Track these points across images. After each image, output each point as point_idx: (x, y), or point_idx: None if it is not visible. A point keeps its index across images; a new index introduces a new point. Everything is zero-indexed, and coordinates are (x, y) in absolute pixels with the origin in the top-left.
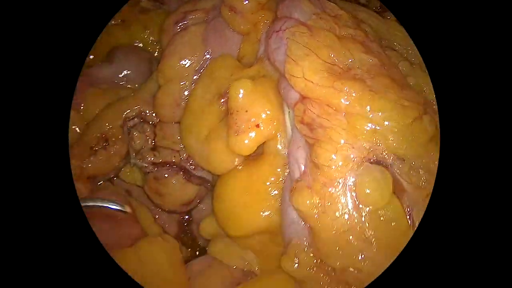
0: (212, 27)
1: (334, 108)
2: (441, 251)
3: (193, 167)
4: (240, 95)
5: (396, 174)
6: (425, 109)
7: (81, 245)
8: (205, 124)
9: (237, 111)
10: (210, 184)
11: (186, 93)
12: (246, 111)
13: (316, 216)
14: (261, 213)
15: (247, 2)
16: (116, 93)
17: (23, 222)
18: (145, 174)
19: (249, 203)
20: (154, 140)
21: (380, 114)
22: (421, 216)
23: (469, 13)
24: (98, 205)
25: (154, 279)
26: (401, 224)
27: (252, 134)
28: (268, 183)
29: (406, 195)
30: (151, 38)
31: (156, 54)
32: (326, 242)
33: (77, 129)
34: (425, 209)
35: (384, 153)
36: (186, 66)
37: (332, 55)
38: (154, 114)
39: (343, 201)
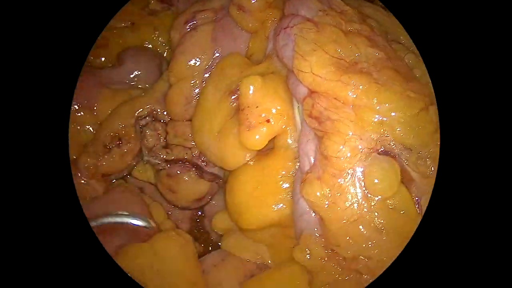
0: (221, 26)
1: (341, 101)
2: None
3: (205, 163)
4: (251, 91)
5: (404, 164)
6: (431, 100)
7: (83, 245)
8: (217, 120)
9: (248, 107)
10: (222, 180)
11: (197, 91)
12: (257, 106)
13: (326, 206)
14: (273, 206)
15: (255, 1)
16: (128, 93)
17: (26, 222)
18: (158, 171)
19: (261, 196)
20: (166, 138)
21: (387, 105)
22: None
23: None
24: (119, 222)
25: (170, 273)
26: (410, 212)
27: (263, 129)
28: (279, 177)
29: (414, 184)
30: (160, 39)
31: (165, 55)
32: (337, 232)
33: (90, 128)
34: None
35: (392, 144)
36: (197, 65)
37: (338, 50)
38: (165, 113)
39: (352, 191)
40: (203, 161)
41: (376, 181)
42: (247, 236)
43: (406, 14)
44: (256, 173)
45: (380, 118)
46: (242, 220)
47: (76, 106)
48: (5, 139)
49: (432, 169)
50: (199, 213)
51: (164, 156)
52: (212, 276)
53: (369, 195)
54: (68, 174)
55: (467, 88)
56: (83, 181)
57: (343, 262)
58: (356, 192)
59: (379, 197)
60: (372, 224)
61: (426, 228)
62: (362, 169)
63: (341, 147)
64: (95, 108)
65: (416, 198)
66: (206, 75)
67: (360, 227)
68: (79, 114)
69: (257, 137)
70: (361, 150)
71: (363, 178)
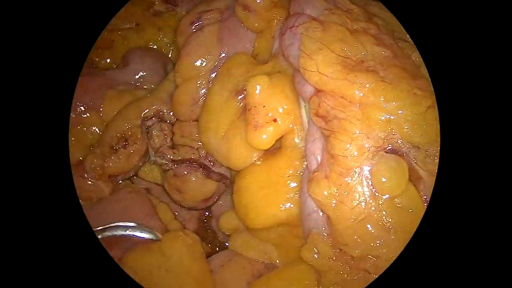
0: (226, 26)
1: (348, 100)
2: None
3: (212, 163)
4: (257, 91)
5: (412, 162)
6: None
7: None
8: (223, 120)
9: (255, 107)
10: (229, 180)
11: (203, 91)
12: (264, 106)
13: (333, 205)
14: (281, 205)
15: (260, 0)
16: (134, 94)
17: (27, 224)
18: (165, 172)
19: (269, 196)
20: (172, 138)
21: (394, 103)
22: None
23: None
24: (125, 235)
25: (177, 273)
26: (419, 211)
27: (270, 129)
28: (286, 176)
29: (422, 182)
30: (165, 40)
31: (170, 55)
32: (344, 231)
33: (96, 130)
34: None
35: (400, 142)
36: (203, 65)
37: (345, 49)
38: (171, 113)
39: (359, 190)
40: (210, 161)
41: (383, 179)
42: (254, 236)
43: (406, 14)
44: (264, 172)
45: (387, 117)
46: (250, 219)
47: (82, 108)
48: (5, 141)
49: None
50: (206, 213)
51: (171, 157)
52: (220, 276)
53: (376, 194)
54: (68, 176)
55: (467, 88)
56: (89, 182)
57: (351, 262)
58: (363, 191)
59: (387, 195)
60: (380, 223)
61: (428, 225)
62: (369, 168)
63: (348, 146)
64: (101, 109)
65: (425, 197)
66: (213, 75)
67: (368, 226)
68: (85, 116)
69: (264, 136)
70: (368, 148)
71: (370, 177)
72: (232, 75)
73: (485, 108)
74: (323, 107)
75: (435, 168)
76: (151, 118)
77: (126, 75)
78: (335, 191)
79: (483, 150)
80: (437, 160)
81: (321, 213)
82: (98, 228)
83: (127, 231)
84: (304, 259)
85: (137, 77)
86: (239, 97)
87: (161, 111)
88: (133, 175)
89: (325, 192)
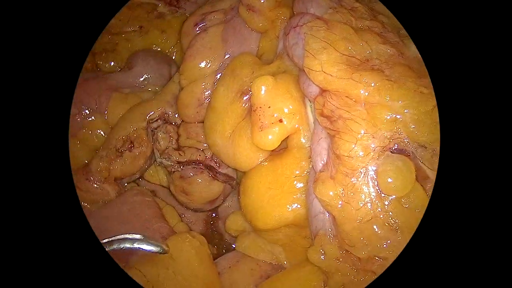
0: (230, 27)
1: (353, 99)
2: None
3: (218, 164)
4: (262, 92)
5: (419, 162)
6: None
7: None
8: (229, 122)
9: (260, 107)
10: (235, 181)
11: (208, 93)
12: (269, 107)
13: (339, 206)
14: (288, 206)
15: (264, 0)
16: (138, 97)
17: (28, 227)
18: (171, 173)
19: (275, 196)
20: (177, 140)
21: (400, 102)
22: None
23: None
24: (132, 248)
25: (185, 275)
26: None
27: (276, 129)
28: (293, 176)
29: (429, 181)
30: (168, 42)
31: (174, 57)
32: (351, 232)
33: (102, 133)
34: None
35: (406, 141)
36: (207, 66)
37: (349, 47)
38: (176, 115)
39: (365, 190)
40: (216, 162)
41: (389, 180)
42: (261, 237)
43: (406, 14)
44: (270, 173)
45: (393, 116)
46: (257, 220)
47: (87, 111)
48: (5, 142)
49: None
50: (213, 215)
51: (177, 158)
52: (228, 278)
53: (382, 195)
54: (69, 179)
55: (468, 87)
56: (95, 185)
57: (358, 263)
58: (369, 192)
59: (393, 196)
60: (387, 224)
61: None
62: (375, 168)
63: (353, 146)
64: (106, 112)
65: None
66: (218, 77)
67: (375, 227)
68: (90, 119)
69: (270, 137)
70: (373, 148)
71: (376, 177)
72: (237, 76)
73: (486, 108)
74: (328, 107)
75: None
76: (156, 120)
77: (130, 78)
78: (341, 191)
79: (485, 148)
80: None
81: (327, 214)
82: (105, 241)
83: (134, 244)
84: (310, 260)
85: (141, 79)
86: (245, 98)
87: (166, 113)
88: (139, 178)
89: (331, 193)
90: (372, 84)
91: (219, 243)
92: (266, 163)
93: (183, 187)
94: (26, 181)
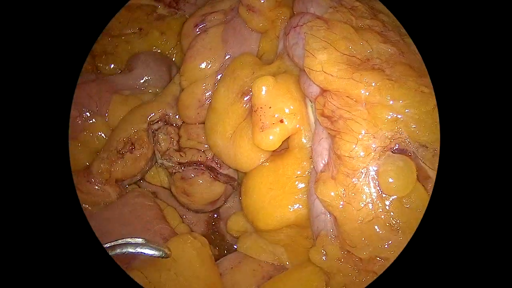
0: (230, 27)
1: (354, 99)
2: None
3: (219, 165)
4: (263, 92)
5: (420, 162)
6: None
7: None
8: (230, 122)
9: (261, 108)
10: (237, 182)
11: (209, 93)
12: (270, 107)
13: (340, 207)
14: (289, 206)
15: (264, 0)
16: (139, 99)
17: (29, 229)
18: (172, 175)
19: (277, 197)
20: (178, 141)
21: (400, 102)
22: None
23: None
24: (134, 252)
25: (187, 276)
26: None
27: (277, 130)
28: (294, 177)
29: (431, 181)
30: (168, 43)
31: (174, 59)
32: (352, 232)
33: (102, 135)
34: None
35: (407, 141)
36: (208, 67)
37: (350, 47)
38: (177, 116)
39: (366, 191)
40: (217, 163)
41: (390, 180)
42: (263, 237)
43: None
44: (271, 173)
45: (394, 116)
46: (258, 221)
47: (87, 113)
48: (5, 144)
49: None
50: (215, 215)
51: (178, 159)
52: (230, 279)
53: (383, 195)
54: (69, 181)
55: (468, 88)
56: (96, 187)
57: (359, 264)
58: (370, 192)
59: (394, 196)
60: (388, 224)
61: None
62: (376, 168)
63: (354, 146)
64: (106, 114)
65: None
66: (218, 77)
67: (376, 227)
68: (91, 121)
69: (271, 137)
70: (374, 149)
71: (377, 178)
72: (237, 77)
73: (487, 108)
74: (329, 107)
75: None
76: (157, 121)
77: (131, 80)
78: (342, 192)
79: (485, 148)
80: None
81: (329, 215)
82: (107, 245)
83: (137, 248)
84: (312, 261)
85: (142, 81)
86: (245, 99)
87: (167, 115)
88: (140, 179)
89: (332, 193)
90: (373, 84)
91: (220, 244)
92: (267, 164)
93: (184, 188)
94: (26, 183)
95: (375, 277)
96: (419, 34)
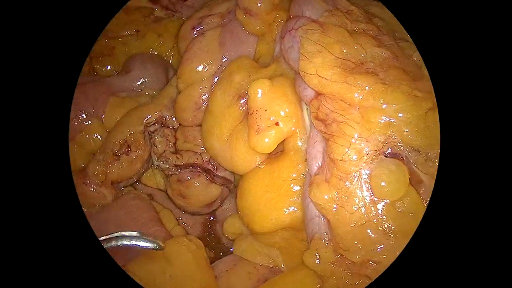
0: (228, 30)
1: (348, 103)
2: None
3: (216, 167)
4: (259, 95)
5: (413, 166)
6: None
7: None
8: (226, 125)
9: (257, 111)
10: (233, 185)
11: (205, 96)
12: (266, 110)
13: (334, 210)
14: (284, 209)
15: (261, 3)
16: (136, 101)
17: (29, 231)
18: (168, 177)
19: (272, 199)
20: (175, 144)
21: (394, 106)
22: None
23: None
24: (128, 245)
25: (182, 279)
26: (420, 215)
27: (272, 132)
28: (290, 179)
29: (423, 185)
30: (165, 46)
31: (171, 61)
32: (345, 236)
33: (99, 137)
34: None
35: (400, 145)
36: (205, 70)
37: (344, 51)
38: (174, 119)
39: (359, 194)
40: (213, 165)
41: (383, 184)
42: (259, 240)
43: (406, 14)
44: (267, 176)
45: (387, 120)
46: (254, 223)
47: (84, 115)
48: (5, 147)
49: None
50: (211, 218)
51: (174, 162)
52: (225, 282)
53: (375, 199)
54: (70, 182)
55: (468, 88)
56: (92, 189)
57: (352, 267)
58: (363, 196)
59: (387, 200)
60: (380, 228)
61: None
62: (368, 172)
63: (347, 150)
64: (103, 116)
65: (426, 200)
66: (215, 80)
67: (368, 231)
68: (87, 123)
69: (266, 140)
70: (367, 152)
71: (369, 181)
72: (234, 80)
73: (487, 109)
74: (323, 110)
75: (436, 172)
76: (153, 124)
77: (127, 82)
78: (336, 195)
79: (485, 152)
80: (438, 163)
81: (323, 218)
82: (102, 238)
83: (132, 241)
84: (306, 264)
85: (138, 83)
86: (242, 101)
87: (163, 117)
88: (136, 181)
89: (326, 196)
90: (366, 88)
91: (216, 246)
92: (263, 166)
93: (181, 190)
94: (26, 185)
95: (368, 281)
96: (419, 34)
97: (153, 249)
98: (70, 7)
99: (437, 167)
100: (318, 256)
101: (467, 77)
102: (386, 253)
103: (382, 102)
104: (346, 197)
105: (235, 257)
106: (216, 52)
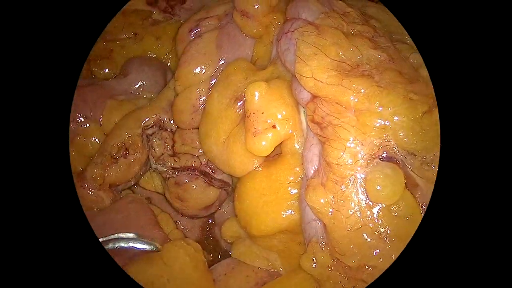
0: (225, 32)
1: (343, 106)
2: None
3: (213, 170)
4: (256, 98)
5: (408, 170)
6: (435, 101)
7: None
8: (223, 128)
9: (254, 113)
10: (231, 187)
11: (203, 98)
12: (262, 112)
13: (330, 214)
14: (282, 212)
15: (258, 6)
16: (134, 104)
17: (29, 233)
18: (166, 180)
19: (270, 203)
20: (173, 146)
21: (389, 109)
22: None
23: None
24: (125, 247)
25: (180, 283)
26: (416, 219)
27: (269, 135)
28: (287, 182)
29: (419, 189)
30: (163, 48)
31: (169, 64)
32: (341, 240)
33: (96, 140)
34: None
35: (395, 149)
36: (202, 72)
37: (340, 53)
38: (172, 122)
39: (355, 198)
40: (211, 168)
41: (378, 188)
42: (256, 243)
43: (406, 14)
44: (264, 179)
45: (383, 123)
46: (251, 226)
47: (81, 118)
48: (5, 148)
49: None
50: (209, 221)
51: (172, 164)
52: (223, 285)
53: (371, 203)
54: (71, 184)
55: (469, 89)
56: (90, 192)
57: (349, 271)
58: (358, 200)
59: (382, 204)
60: (376, 232)
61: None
62: (364, 176)
63: (342, 153)
64: (100, 119)
65: (422, 204)
66: (212, 83)
67: (364, 235)
68: (85, 126)
69: (263, 143)
70: (362, 156)
71: (365, 185)
72: (231, 82)
73: (487, 111)
74: (319, 113)
75: (432, 175)
76: (151, 126)
77: (125, 85)
78: (332, 199)
79: (485, 154)
80: (434, 167)
81: (319, 222)
82: (100, 240)
83: (129, 243)
84: (303, 268)
85: (136, 86)
86: (239, 104)
87: (161, 120)
88: (134, 185)
89: (322, 200)
90: (362, 91)
91: (215, 249)
92: (260, 169)
93: (179, 193)
94: (26, 185)
95: (364, 286)
96: (419, 34)
97: (150, 250)
98: (68, 10)
99: (433, 171)
100: (315, 260)
101: (468, 78)
102: (382, 257)
103: (377, 105)
104: (342, 201)
105: (234, 261)
106: (213, 54)
